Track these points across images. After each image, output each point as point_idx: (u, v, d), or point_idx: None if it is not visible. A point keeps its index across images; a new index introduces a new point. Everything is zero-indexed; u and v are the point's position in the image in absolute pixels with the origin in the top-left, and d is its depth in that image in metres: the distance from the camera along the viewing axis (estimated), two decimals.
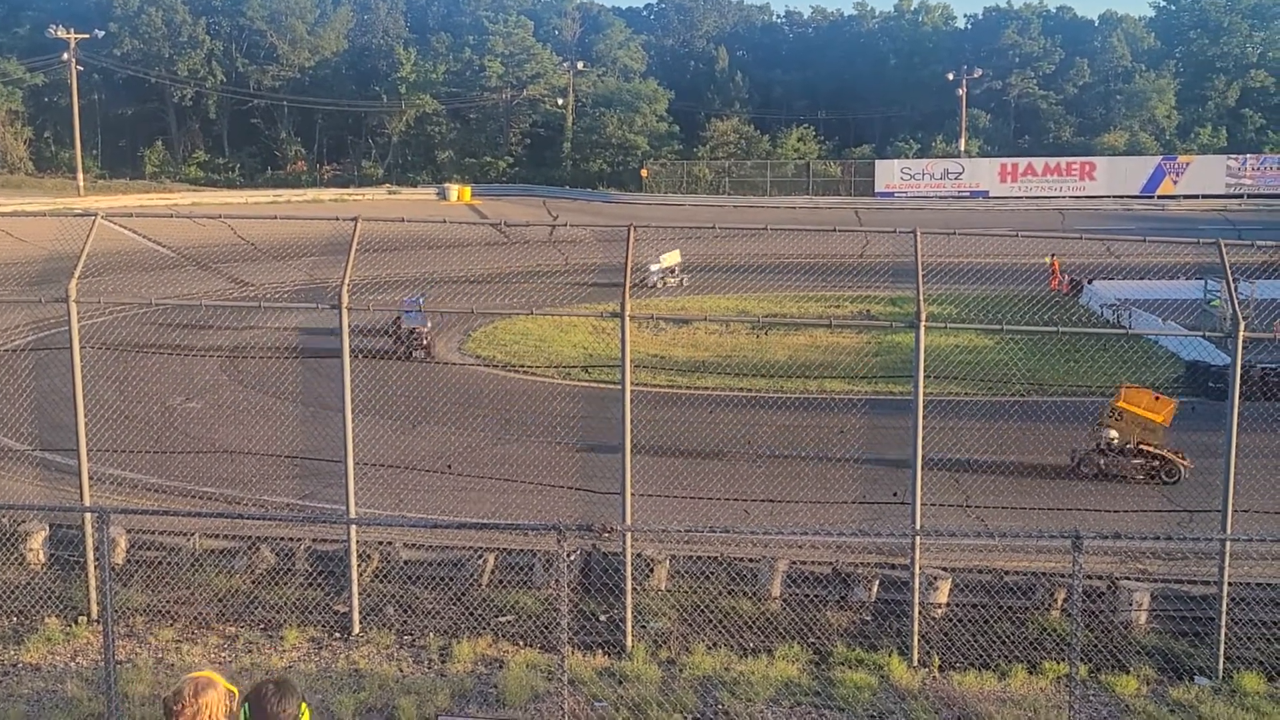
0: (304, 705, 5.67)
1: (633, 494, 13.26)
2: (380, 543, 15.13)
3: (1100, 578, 13.97)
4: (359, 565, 13.53)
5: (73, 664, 12.20)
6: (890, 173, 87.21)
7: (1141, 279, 43.71)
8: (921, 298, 12.84)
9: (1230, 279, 12.69)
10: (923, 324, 12.80)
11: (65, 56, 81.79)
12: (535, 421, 25.62)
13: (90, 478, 13.76)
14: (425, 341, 32.82)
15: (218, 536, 15.37)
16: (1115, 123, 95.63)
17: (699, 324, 36.94)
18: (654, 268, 43.44)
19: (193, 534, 15.23)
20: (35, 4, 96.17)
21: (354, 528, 13.39)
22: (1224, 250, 12.82)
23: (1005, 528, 17.06)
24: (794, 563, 14.71)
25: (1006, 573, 14.48)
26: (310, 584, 14.20)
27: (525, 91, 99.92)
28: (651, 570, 14.36)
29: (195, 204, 75.88)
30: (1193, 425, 21.77)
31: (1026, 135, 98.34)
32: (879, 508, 17.81)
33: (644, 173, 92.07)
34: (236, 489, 19.30)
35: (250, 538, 15.22)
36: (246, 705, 5.53)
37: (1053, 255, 46.16)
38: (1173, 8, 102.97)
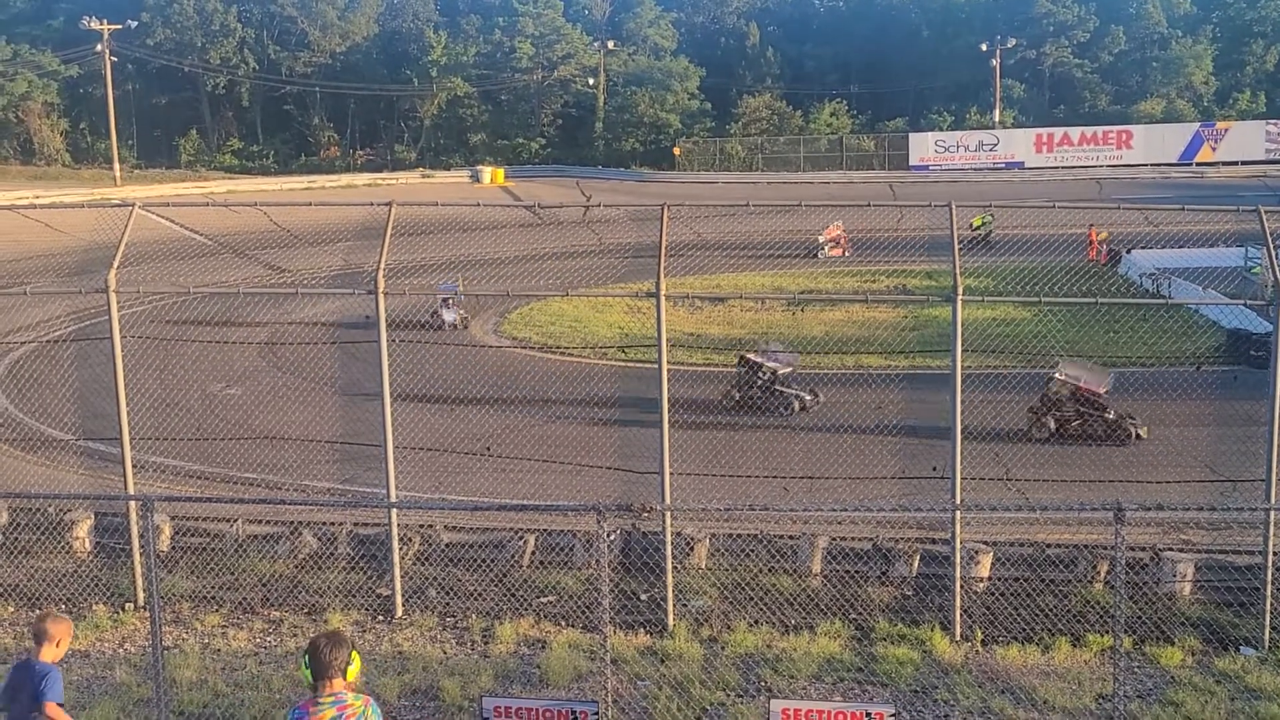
0: (354, 653, 6.69)
1: (671, 473, 13.27)
2: (421, 525, 15.23)
3: (1143, 549, 13.88)
4: (400, 548, 13.63)
5: (120, 650, 12.37)
6: (924, 145, 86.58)
7: (1180, 247, 43.22)
8: (958, 271, 12.77)
9: (1270, 246, 12.53)
10: (959, 297, 12.73)
11: (99, 48, 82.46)
12: (572, 402, 25.67)
13: (134, 465, 13.93)
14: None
15: (260, 522, 15.52)
16: (1152, 90, 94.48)
17: (734, 301, 36.82)
18: (821, 239, 46.20)
19: (236, 520, 15.39)
20: None
21: (395, 511, 13.47)
22: (1264, 217, 12.65)
23: (1046, 500, 16.96)
24: (834, 539, 14.69)
25: (1048, 545, 14.40)
26: (353, 568, 14.32)
27: (556, 72, 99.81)
28: (691, 549, 14.38)
29: (230, 191, 76.37)
30: (1235, 394, 21.54)
31: (1062, 105, 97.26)
32: (918, 482, 17.74)
33: (677, 151, 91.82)
34: (278, 474, 19.45)
35: (292, 522, 15.36)
36: (305, 656, 6.61)
37: (1091, 225, 45.69)
38: None
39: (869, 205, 17.04)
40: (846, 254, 46.48)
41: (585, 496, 16.99)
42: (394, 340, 13.99)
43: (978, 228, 41.11)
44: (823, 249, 47.61)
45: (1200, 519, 15.69)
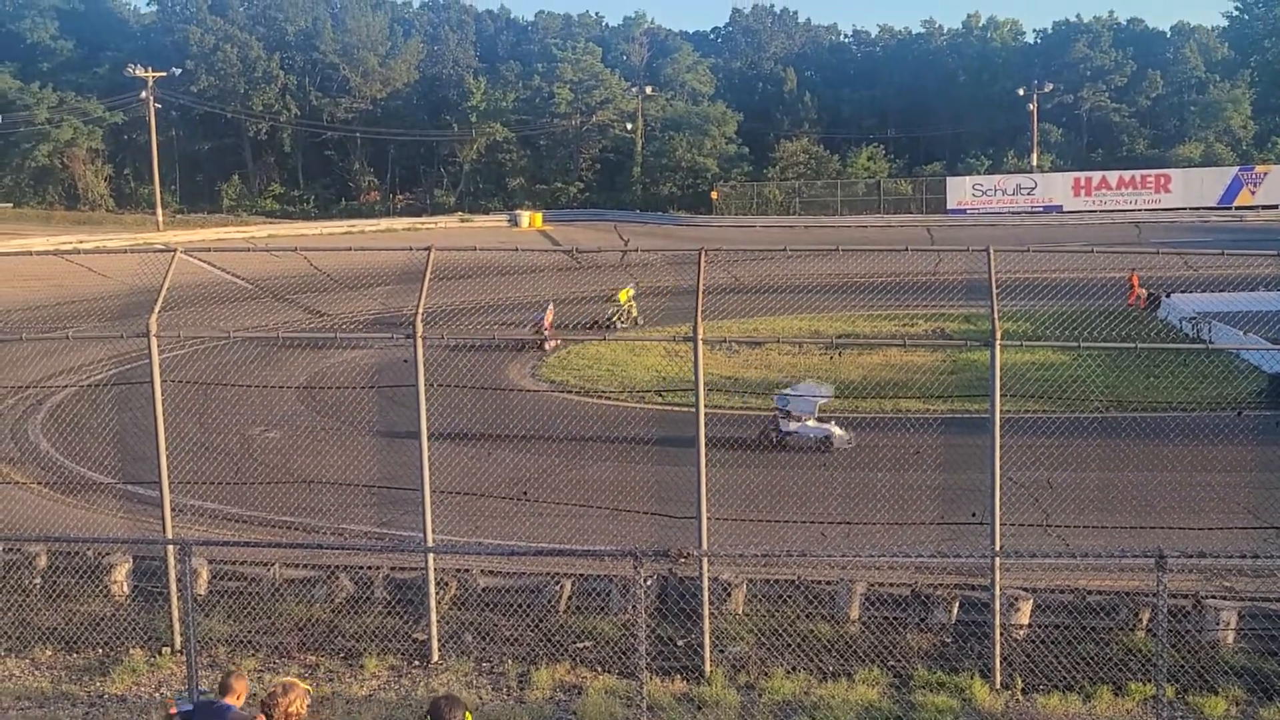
0: (468, 714, 7.61)
1: (708, 517, 13.23)
2: (458, 570, 15.23)
3: (1185, 596, 13.67)
4: (437, 593, 13.63)
5: (157, 694, 12.40)
6: (962, 189, 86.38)
7: (1221, 291, 42.94)
8: (996, 315, 12.72)
9: None
10: (998, 342, 12.67)
11: (143, 95, 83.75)
12: (610, 445, 25.66)
13: (172, 509, 14.02)
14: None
15: (297, 566, 15.55)
16: (1190, 134, 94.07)
17: (772, 345, 36.79)
18: (610, 310, 41.61)
19: (273, 564, 15.44)
20: (114, 44, 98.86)
21: (431, 555, 13.49)
22: None
23: (1087, 547, 16.77)
24: (872, 585, 14.57)
25: (1089, 592, 14.22)
26: (389, 612, 14.32)
27: (594, 117, 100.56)
28: (729, 594, 14.30)
29: (271, 236, 77.22)
30: (1277, 440, 21.26)
31: (1099, 149, 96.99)
32: (958, 528, 17.58)
33: (714, 195, 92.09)
34: (315, 518, 19.52)
35: (329, 567, 15.39)
36: (428, 716, 7.57)
37: (1133, 270, 45.39)
38: (1245, 17, 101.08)
39: (907, 249, 17.06)
40: (639, 322, 41.90)
41: (622, 541, 16.94)
42: (432, 383, 14.05)
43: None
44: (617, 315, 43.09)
45: (1243, 566, 15.45)
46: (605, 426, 27.50)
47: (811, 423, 25.30)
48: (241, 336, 16.51)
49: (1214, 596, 13.92)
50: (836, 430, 25.14)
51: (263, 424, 27.84)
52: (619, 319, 40.24)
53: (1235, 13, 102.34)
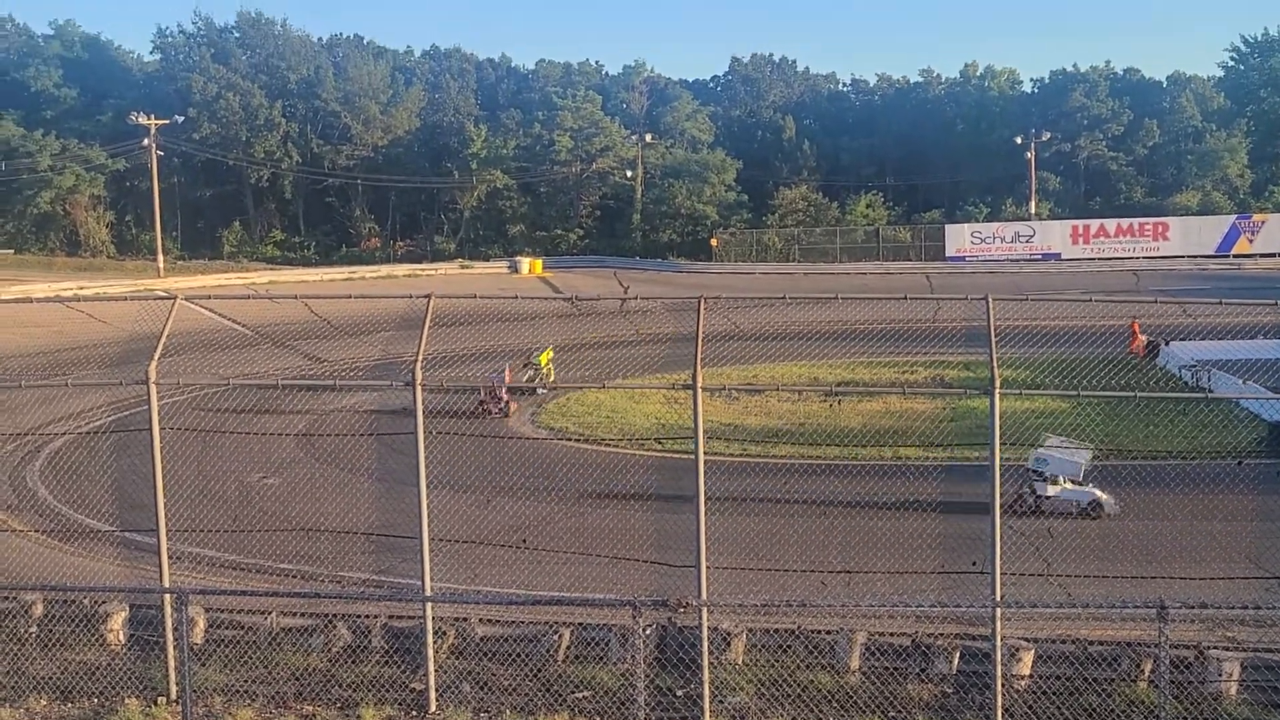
0: None
1: (708, 566, 13.17)
2: (456, 619, 15.14)
3: (1188, 647, 13.57)
4: (435, 641, 13.53)
5: None
6: (960, 237, 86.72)
7: (1220, 339, 42.96)
8: (995, 363, 12.72)
9: None
10: (997, 390, 12.67)
11: (145, 142, 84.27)
12: (609, 493, 25.59)
13: (170, 556, 13.96)
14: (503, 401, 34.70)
15: (294, 614, 15.45)
16: (1187, 182, 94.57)
17: (772, 392, 36.78)
18: (529, 373, 38.79)
19: (270, 612, 15.34)
20: (117, 92, 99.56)
21: (430, 604, 13.41)
22: None
23: (1088, 597, 16.68)
24: (872, 634, 14.47)
25: (1091, 643, 14.12)
26: (386, 661, 14.22)
27: (595, 164, 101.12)
28: (728, 643, 14.20)
29: (272, 282, 77.38)
30: (1277, 488, 21.20)
31: (1097, 197, 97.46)
32: (958, 577, 17.50)
33: (714, 242, 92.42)
34: (313, 565, 19.45)
35: (327, 615, 15.29)
36: None
37: (1134, 318, 45.49)
38: (1241, 67, 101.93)
39: (905, 297, 17.09)
40: (553, 387, 39.06)
41: (621, 590, 16.85)
42: (431, 430, 14.03)
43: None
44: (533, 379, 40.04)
45: (1246, 616, 15.36)
46: (605, 474, 27.43)
47: (1073, 486, 23.70)
48: (240, 384, 16.49)
49: (1217, 647, 13.82)
50: (1102, 495, 23.49)
51: (261, 471, 27.79)
52: (539, 384, 38.01)
53: (1231, 63, 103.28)
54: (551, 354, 39.11)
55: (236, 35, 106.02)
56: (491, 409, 34.68)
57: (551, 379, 38.43)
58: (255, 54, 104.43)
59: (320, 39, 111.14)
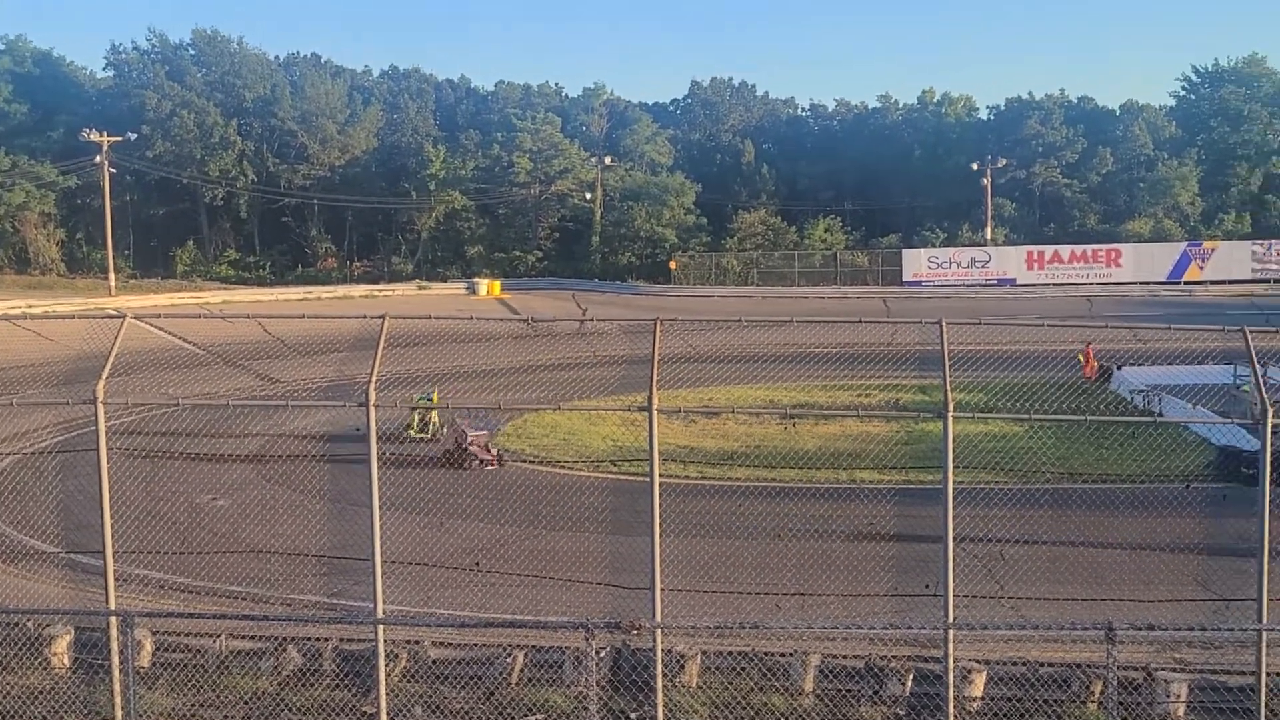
0: None
1: (662, 589, 13.13)
2: (408, 641, 15.01)
3: (1137, 668, 13.70)
4: (387, 665, 13.40)
5: None
6: (917, 261, 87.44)
7: (1170, 364, 43.46)
8: (949, 387, 12.79)
9: (1256, 365, 12.60)
10: (950, 413, 12.73)
11: (98, 159, 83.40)
12: (564, 516, 25.50)
13: (117, 578, 13.74)
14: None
15: (244, 637, 15.27)
16: (1139, 210, 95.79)
17: (729, 415, 36.82)
18: (415, 420, 35.77)
19: (219, 635, 15.15)
20: (69, 108, 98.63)
21: (381, 627, 13.28)
22: (1249, 337, 12.75)
23: (1039, 618, 16.77)
24: (826, 656, 14.49)
25: (1042, 664, 14.21)
26: (337, 685, 14.07)
27: (554, 186, 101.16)
28: (682, 666, 14.17)
29: (226, 302, 76.81)
30: (1226, 512, 21.42)
31: (1052, 223, 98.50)
32: (912, 599, 17.55)
33: (672, 265, 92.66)
34: (264, 588, 19.23)
35: (277, 638, 15.12)
36: None
37: (1087, 342, 45.99)
38: (1193, 97, 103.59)
39: (860, 321, 17.17)
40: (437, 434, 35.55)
41: (576, 612, 16.75)
42: (385, 453, 13.94)
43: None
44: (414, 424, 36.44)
45: (1194, 638, 15.50)
46: (560, 496, 27.33)
47: None
48: (192, 404, 16.31)
49: (1165, 669, 13.95)
50: None
51: (211, 492, 27.48)
52: (415, 429, 35.14)
53: (1182, 93, 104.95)
54: (437, 398, 34.05)
55: (192, 53, 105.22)
56: (477, 459, 31.64)
57: (435, 424, 35.68)
58: (211, 71, 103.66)
59: (277, 57, 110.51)
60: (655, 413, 13.21)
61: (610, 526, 23.05)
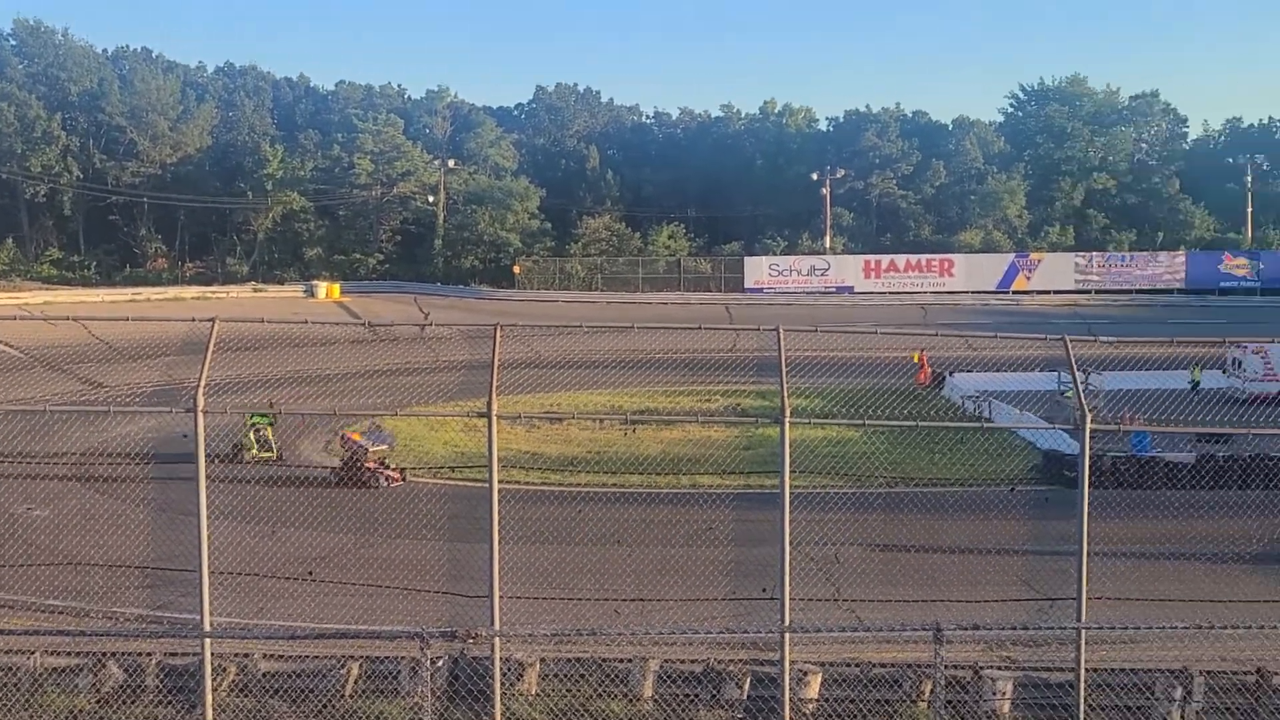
0: None
1: (501, 596, 13.00)
2: (238, 654, 14.54)
3: (965, 667, 14.08)
4: (215, 679, 12.96)
5: None
6: (759, 269, 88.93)
7: (999, 371, 44.98)
8: (785, 393, 12.95)
9: (1075, 372, 13.09)
10: (787, 419, 12.89)
11: None
12: (402, 523, 25.08)
13: None
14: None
15: (61, 654, 14.57)
16: (971, 221, 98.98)
17: (572, 421, 36.79)
18: (253, 439, 32.55)
19: (34, 651, 14.43)
20: None
21: (208, 640, 12.83)
22: (1069, 345, 13.23)
23: (874, 620, 17.10)
24: (666, 661, 14.53)
25: (875, 665, 14.50)
26: (161, 701, 13.55)
27: (395, 189, 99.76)
28: (522, 674, 14.04)
29: (48, 303, 73.68)
30: (1049, 514, 22.22)
31: (888, 233, 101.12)
32: (750, 603, 17.74)
33: (516, 269, 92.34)
34: (84, 601, 18.43)
35: (97, 654, 14.46)
36: None
37: (921, 350, 47.30)
38: (1020, 114, 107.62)
39: (700, 328, 17.32)
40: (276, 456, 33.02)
41: (413, 621, 16.49)
42: (214, 459, 13.48)
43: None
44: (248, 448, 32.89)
45: (1020, 636, 16.02)
46: (399, 503, 26.89)
47: None
48: (8, 409, 15.53)
49: (992, 667, 14.36)
50: None
51: (29, 502, 26.25)
52: (256, 449, 32.35)
53: (1010, 109, 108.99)
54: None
55: (13, 43, 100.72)
56: (379, 478, 29.66)
57: (270, 443, 33.07)
58: (33, 63, 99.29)
59: (105, 50, 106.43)
60: (495, 418, 13.08)
61: (449, 533, 22.75)
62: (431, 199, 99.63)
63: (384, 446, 31.12)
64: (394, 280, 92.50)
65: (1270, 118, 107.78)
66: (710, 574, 19.55)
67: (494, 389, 13.08)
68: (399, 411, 27.19)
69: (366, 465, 29.84)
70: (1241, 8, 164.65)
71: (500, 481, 13.13)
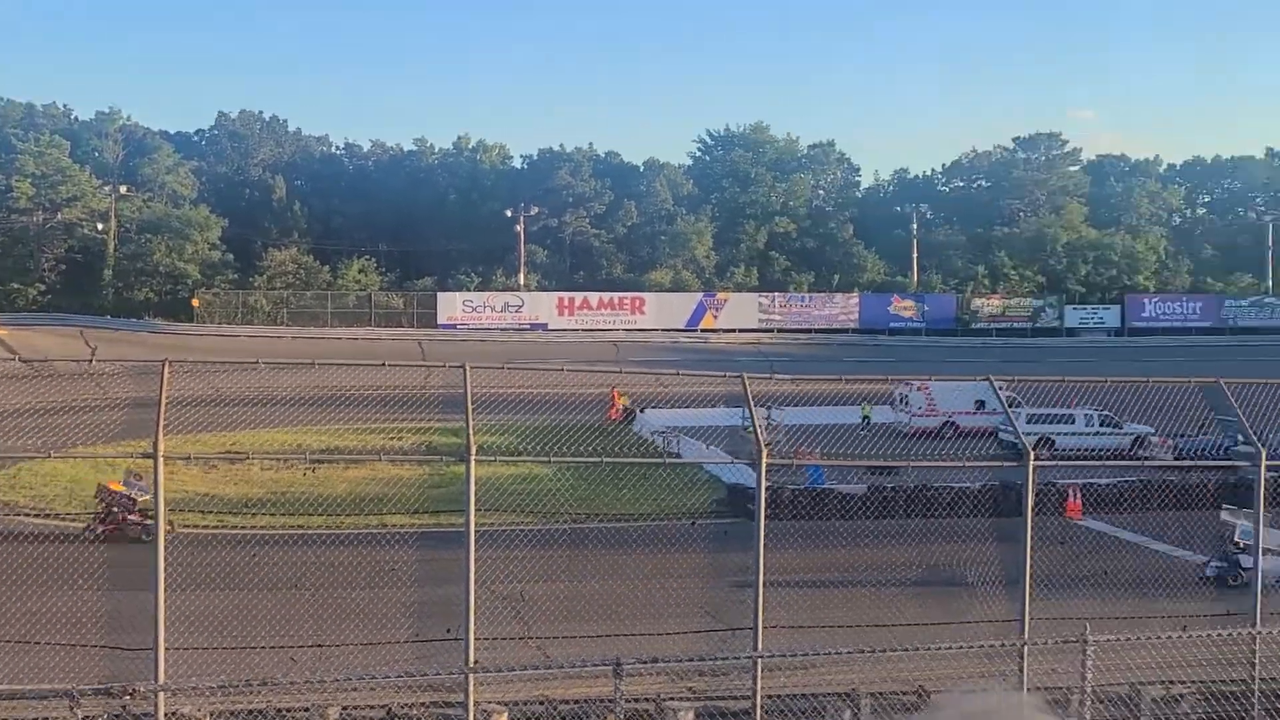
0: None
1: (168, 648, 12.25)
2: None
3: (648, 699, 14.26)
4: None
5: None
6: (453, 305, 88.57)
7: (688, 407, 46.25)
8: (471, 430, 12.84)
9: (753, 409, 13.56)
10: (473, 456, 12.79)
11: None
12: (60, 573, 23.24)
13: None
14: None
15: None
16: (661, 261, 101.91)
17: (252, 460, 35.30)
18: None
19: None
20: None
21: None
22: (746, 382, 13.71)
23: (562, 657, 17.09)
24: (346, 708, 14.09)
25: (561, 702, 14.48)
26: None
27: (60, 214, 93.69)
28: None
29: None
30: (731, 546, 22.92)
31: (582, 271, 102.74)
32: (435, 644, 17.39)
33: (195, 302, 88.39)
34: None
35: None
36: None
37: (614, 386, 48.09)
38: (707, 158, 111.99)
39: (384, 364, 16.93)
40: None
41: (68, 679, 15.25)
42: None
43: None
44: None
45: (703, 667, 16.37)
46: (58, 550, 24.95)
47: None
48: None
49: (674, 698, 14.61)
50: None
51: None
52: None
53: (698, 154, 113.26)
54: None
55: None
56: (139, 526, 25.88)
57: None
58: None
59: None
60: (161, 459, 12.38)
61: (111, 583, 21.25)
62: (101, 226, 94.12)
63: (146, 496, 27.35)
64: (58, 312, 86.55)
65: (933, 169, 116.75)
66: (394, 615, 19.09)
67: (160, 427, 12.39)
68: (52, 454, 25.26)
69: (130, 518, 26.85)
70: (911, 69, 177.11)
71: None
